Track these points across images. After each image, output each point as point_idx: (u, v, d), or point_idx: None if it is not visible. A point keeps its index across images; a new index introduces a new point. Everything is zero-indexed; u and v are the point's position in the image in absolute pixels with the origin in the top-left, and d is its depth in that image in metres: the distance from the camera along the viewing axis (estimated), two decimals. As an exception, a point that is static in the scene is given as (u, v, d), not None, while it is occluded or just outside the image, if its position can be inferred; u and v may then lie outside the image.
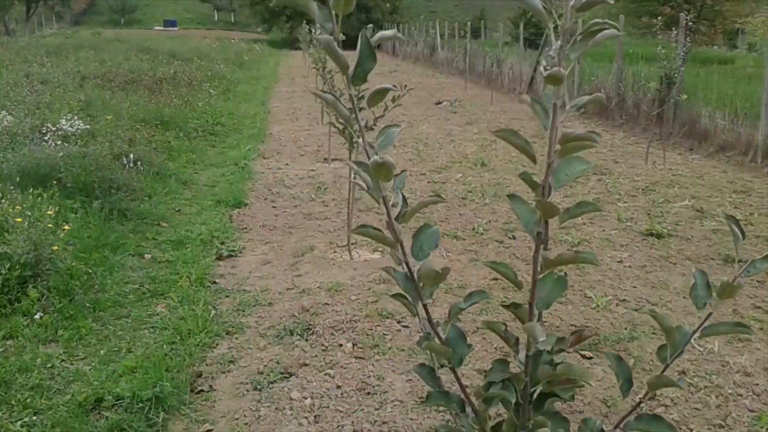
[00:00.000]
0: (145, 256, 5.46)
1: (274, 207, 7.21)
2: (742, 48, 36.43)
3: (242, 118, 14.09)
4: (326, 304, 4.50)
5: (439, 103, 17.73)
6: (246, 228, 6.40)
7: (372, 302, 4.52)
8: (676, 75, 9.82)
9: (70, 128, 7.87)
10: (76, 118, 8.33)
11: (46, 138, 7.64)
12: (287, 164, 9.63)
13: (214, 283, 4.94)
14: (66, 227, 4.76)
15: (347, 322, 4.18)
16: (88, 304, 4.26)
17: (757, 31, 26.66)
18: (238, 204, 7.20)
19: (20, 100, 10.78)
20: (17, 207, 4.67)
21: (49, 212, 4.65)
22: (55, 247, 4.42)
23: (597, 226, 6.47)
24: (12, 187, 5.50)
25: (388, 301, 4.51)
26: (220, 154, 10.23)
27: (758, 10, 29.58)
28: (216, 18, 74.95)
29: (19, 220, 4.39)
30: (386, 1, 57.89)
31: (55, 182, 6.21)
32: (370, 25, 2.06)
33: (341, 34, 1.66)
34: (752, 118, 10.56)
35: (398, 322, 4.20)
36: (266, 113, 15.32)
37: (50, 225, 4.48)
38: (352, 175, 6.06)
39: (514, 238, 6.08)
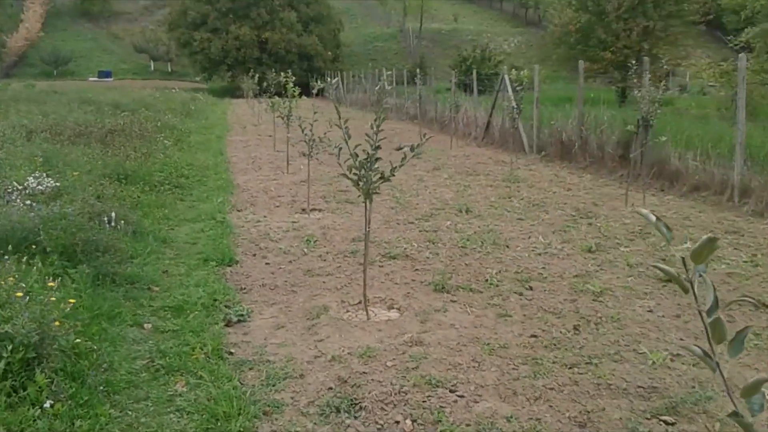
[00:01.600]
0: (145, 326, 4.97)
1: (267, 264, 6.79)
2: (674, 89, 38.04)
3: (203, 168, 13.61)
4: (364, 372, 4.11)
5: (399, 148, 17.55)
6: (245, 288, 5.96)
7: (413, 368, 4.15)
8: (652, 117, 9.92)
9: (39, 186, 7.29)
10: (44, 175, 7.74)
11: (13, 197, 7.05)
12: (265, 216, 9.22)
13: (231, 353, 4.49)
14: (71, 301, 4.23)
15: (395, 393, 3.80)
16: (101, 387, 3.76)
17: (702, 73, 27.74)
18: (227, 262, 6.75)
19: (-29, 157, 10.09)
20: (10, 278, 4.15)
21: (51, 284, 4.14)
22: (57, 323, 3.91)
23: (610, 273, 6.30)
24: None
25: (431, 366, 4.17)
26: (192, 208, 9.73)
27: (693, 53, 30.88)
28: (152, 68, 73.94)
29: (19, 294, 3.87)
30: (328, 50, 58.32)
31: (33, 246, 5.67)
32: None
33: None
34: (724, 158, 10.75)
35: (451, 391, 3.84)
36: (226, 163, 14.87)
37: (53, 298, 3.97)
38: (367, 229, 5.76)
39: (531, 288, 5.83)
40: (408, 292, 5.74)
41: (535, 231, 8.10)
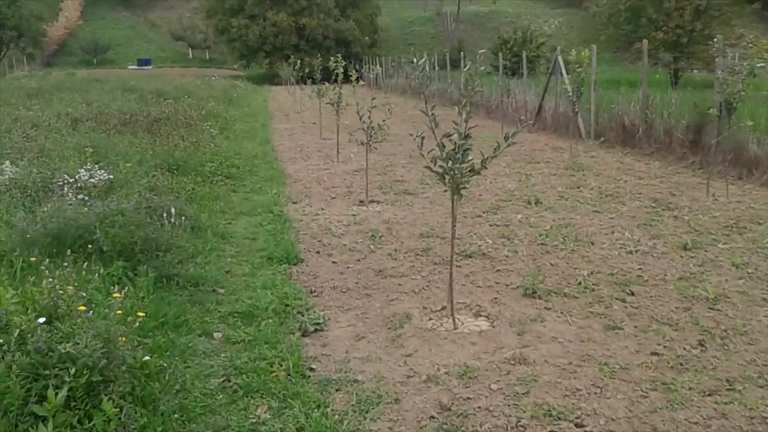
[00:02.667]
0: (215, 335, 4.53)
1: (334, 262, 6.31)
2: (722, 71, 36.57)
3: (252, 158, 13.21)
4: (468, 398, 3.60)
5: (448, 135, 16.97)
6: (315, 291, 5.49)
7: (523, 394, 3.63)
8: (736, 100, 9.18)
9: (91, 179, 6.92)
10: (96, 167, 7.37)
11: (65, 191, 6.69)
12: (322, 209, 8.75)
13: (312, 369, 4.02)
14: (140, 314, 3.79)
15: (512, 427, 3.29)
16: (175, 415, 3.32)
17: (765, 54, 26.51)
18: (291, 260, 6.29)
19: (18, 147, 9.80)
20: (69, 287, 3.72)
21: (116, 294, 3.70)
22: (123, 339, 3.48)
23: (717, 275, 5.67)
24: (47, 257, 4.55)
25: (544, 391, 3.64)
26: (246, 200, 9.31)
27: (748, 32, 29.60)
28: (191, 56, 74.17)
29: (82, 308, 3.44)
30: (365, 35, 57.68)
31: (89, 246, 5.28)
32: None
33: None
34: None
35: (578, 425, 3.31)
36: (273, 152, 14.46)
37: (120, 312, 3.53)
38: (454, 228, 5.29)
39: (632, 293, 5.25)
40: (494, 297, 5.21)
41: (617, 225, 7.49)
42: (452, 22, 69.91)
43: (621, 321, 4.64)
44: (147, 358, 3.55)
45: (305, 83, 26.04)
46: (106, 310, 3.58)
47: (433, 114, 4.65)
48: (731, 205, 8.53)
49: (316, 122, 19.99)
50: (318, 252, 6.71)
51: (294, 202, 9.25)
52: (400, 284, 5.58)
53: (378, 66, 43.78)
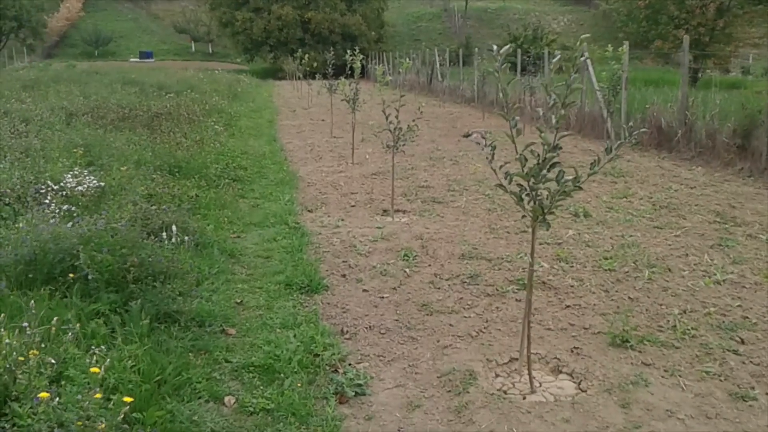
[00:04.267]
0: (226, 400, 3.51)
1: (365, 290, 5.29)
2: (737, 72, 35.49)
3: (259, 158, 12.19)
4: None
5: (467, 135, 15.98)
6: (347, 332, 4.47)
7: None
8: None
9: (78, 187, 5.89)
10: (85, 172, 6.34)
11: (47, 201, 5.67)
12: (342, 219, 7.73)
13: (358, 460, 3.00)
14: (127, 399, 2.77)
15: None
16: None
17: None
18: (314, 287, 5.28)
19: (3, 145, 8.77)
20: (32, 352, 2.70)
21: (94, 369, 2.68)
22: (102, 426, 2.47)
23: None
24: (16, 288, 3.54)
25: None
26: (256, 208, 8.30)
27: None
28: (193, 49, 72.97)
29: (44, 395, 2.42)
30: (371, 30, 56.54)
31: (71, 275, 4.27)
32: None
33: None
34: None
35: None
36: (282, 151, 13.43)
37: (98, 395, 2.51)
38: (532, 267, 4.34)
39: (743, 341, 4.23)
40: (574, 346, 4.19)
41: (688, 245, 6.46)
42: (460, 18, 68.73)
43: (749, 386, 3.62)
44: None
45: (313, 78, 25.00)
46: (81, 383, 2.56)
47: (515, 119, 3.60)
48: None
49: (325, 119, 18.97)
50: (344, 276, 5.69)
51: (310, 211, 8.23)
52: (451, 324, 4.55)
53: (384, 61, 42.76)
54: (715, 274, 5.54)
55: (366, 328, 4.52)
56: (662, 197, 8.78)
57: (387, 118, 7.87)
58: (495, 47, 3.52)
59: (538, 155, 3.62)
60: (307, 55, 26.91)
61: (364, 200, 8.81)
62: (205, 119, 15.25)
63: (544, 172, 3.57)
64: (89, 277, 4.35)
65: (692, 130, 12.69)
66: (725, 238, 6.71)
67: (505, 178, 3.75)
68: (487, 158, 3.84)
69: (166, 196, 7.10)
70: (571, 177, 3.52)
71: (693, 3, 26.99)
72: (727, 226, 7.27)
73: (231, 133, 15.28)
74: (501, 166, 3.80)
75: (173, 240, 5.31)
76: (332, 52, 16.30)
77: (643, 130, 3.88)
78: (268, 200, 8.73)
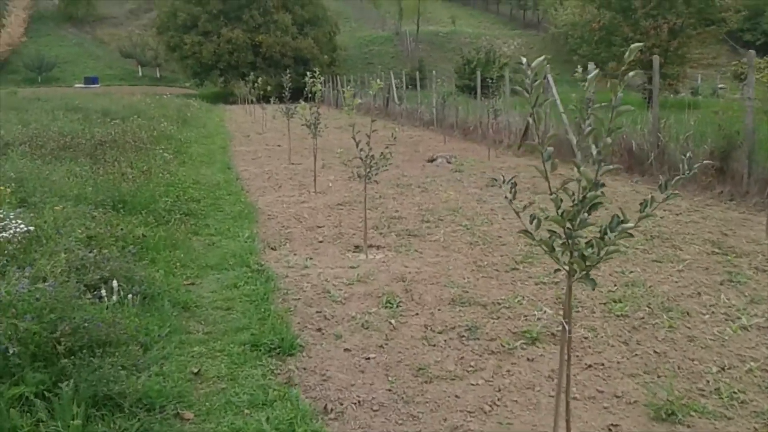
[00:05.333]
0: None
1: (347, 351, 4.49)
2: (686, 92, 35.99)
3: (213, 188, 11.31)
4: None
5: (432, 160, 15.38)
6: (332, 410, 3.67)
7: None
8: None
9: (2, 233, 4.97)
10: (11, 215, 5.41)
11: (-38, 251, 4.74)
12: (311, 258, 6.93)
13: None
14: None
15: None
16: None
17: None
18: (286, 348, 4.46)
19: None
20: None
21: None
22: None
23: None
24: None
25: None
26: (212, 246, 7.43)
27: (722, 52, 28.87)
28: (141, 74, 71.41)
29: None
30: (324, 53, 56.05)
31: (-17, 352, 3.38)
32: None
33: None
34: None
35: None
36: (238, 180, 12.56)
37: None
38: (567, 345, 3.63)
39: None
40: (612, 424, 3.46)
41: (697, 282, 5.86)
42: (412, 41, 68.96)
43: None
44: None
45: (267, 102, 24.20)
46: None
47: (549, 148, 2.91)
48: (811, 250, 7.02)
49: (281, 144, 18.19)
50: (320, 330, 4.89)
51: (273, 249, 7.41)
52: (456, 395, 3.78)
53: (339, 85, 42.19)
54: (739, 318, 4.93)
55: (354, 403, 3.72)
56: (649, 225, 8.22)
57: (357, 145, 7.13)
58: (524, 60, 2.82)
59: (573, 194, 2.91)
60: (260, 79, 26.12)
61: (333, 234, 8.03)
62: (153, 146, 14.28)
63: (585, 215, 2.86)
64: (10, 352, 3.47)
65: (665, 153, 12.31)
66: (733, 273, 6.14)
67: (531, 222, 3.02)
68: (506, 198, 3.11)
69: (109, 238, 6.19)
70: (629, 223, 2.81)
71: (647, 24, 27.17)
72: (728, 257, 6.72)
73: (181, 161, 14.34)
74: (525, 207, 3.09)
75: (114, 297, 4.43)
76: (288, 75, 15.51)
77: (707, 162, 3.21)
78: (226, 237, 7.88)
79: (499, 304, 5.33)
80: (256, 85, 25.23)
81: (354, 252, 7.28)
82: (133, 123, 18.24)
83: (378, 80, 8.03)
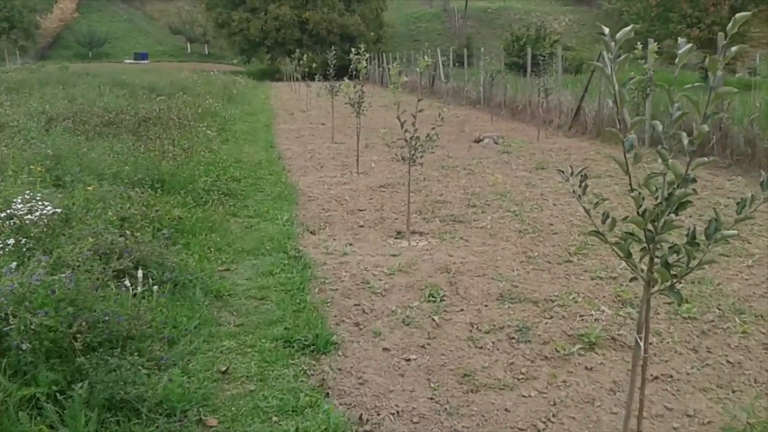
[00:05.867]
0: None
1: (385, 350, 4.16)
2: (744, 72, 34.35)
3: (255, 167, 11.06)
4: None
5: (479, 140, 14.87)
6: (369, 420, 3.33)
7: None
8: None
9: (29, 215, 4.76)
10: (38, 196, 5.19)
11: (-13, 234, 4.54)
12: (350, 244, 6.61)
13: None
14: None
15: None
16: None
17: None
18: (321, 345, 4.14)
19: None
20: None
21: None
22: None
23: None
24: None
25: None
26: (250, 229, 7.17)
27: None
28: (189, 50, 71.85)
29: None
30: (370, 30, 55.40)
31: (-5, 347, 3.14)
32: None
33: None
34: None
35: None
36: (280, 159, 12.30)
37: None
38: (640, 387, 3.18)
39: None
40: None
41: (771, 281, 5.36)
42: (460, 18, 67.69)
43: None
44: None
45: (312, 79, 23.90)
46: None
47: (632, 139, 2.49)
48: None
49: (325, 123, 17.86)
50: (358, 326, 4.56)
51: (312, 233, 7.11)
52: (506, 408, 3.41)
53: (384, 63, 41.68)
54: None
55: (392, 413, 3.38)
56: (712, 215, 7.64)
57: (402, 126, 6.74)
58: (607, 30, 2.40)
59: (656, 190, 2.49)
60: (305, 56, 25.81)
61: (374, 219, 7.69)
62: (197, 124, 14.11)
63: (672, 215, 2.45)
64: (23, 347, 3.23)
65: (728, 136, 11.60)
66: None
67: (604, 222, 2.62)
68: (573, 192, 2.70)
69: (143, 220, 5.96)
70: (730, 231, 2.39)
71: (706, 1, 25.92)
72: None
73: (224, 139, 14.17)
74: (595, 204, 2.68)
75: (140, 287, 4.17)
76: (333, 52, 15.13)
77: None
78: (264, 219, 7.61)
79: (552, 301, 4.92)
80: (301, 62, 24.93)
81: (396, 238, 6.93)
82: (178, 99, 18.15)
83: (426, 57, 7.60)
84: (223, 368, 3.83)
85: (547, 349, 4.07)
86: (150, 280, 4.50)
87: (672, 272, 2.50)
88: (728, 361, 3.90)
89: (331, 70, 14.97)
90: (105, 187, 6.80)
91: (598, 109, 15.78)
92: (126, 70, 35.17)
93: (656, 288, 2.56)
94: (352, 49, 11.17)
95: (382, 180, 10.02)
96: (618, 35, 2.35)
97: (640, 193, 2.45)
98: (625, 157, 2.47)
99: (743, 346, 4.11)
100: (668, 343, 4.17)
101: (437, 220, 7.61)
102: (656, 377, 3.70)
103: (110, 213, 5.66)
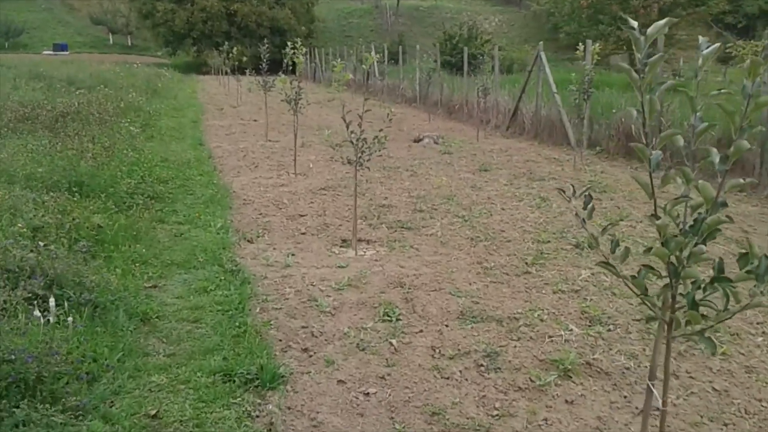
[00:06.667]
0: None
1: (340, 382, 3.68)
2: (668, 74, 35.44)
3: (183, 167, 10.35)
4: None
5: (419, 140, 14.52)
6: (328, 475, 2.86)
7: None
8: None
9: None
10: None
11: None
12: (293, 254, 6.09)
13: None
14: None
15: None
16: None
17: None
18: (266, 379, 3.62)
19: None
20: None
21: None
22: None
23: None
24: None
25: None
26: (180, 238, 6.55)
27: (707, 34, 28.22)
28: (111, 41, 69.08)
29: None
30: (301, 25, 54.48)
31: None
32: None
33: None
34: None
35: None
36: (210, 158, 11.61)
37: None
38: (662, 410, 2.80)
39: None
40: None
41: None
42: (391, 15, 67.52)
43: None
44: None
45: (243, 73, 23.09)
46: None
47: (658, 156, 2.10)
48: None
49: (258, 119, 17.19)
50: (307, 352, 4.06)
51: (249, 241, 6.55)
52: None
53: (316, 58, 41.06)
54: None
55: (356, 465, 2.92)
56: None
57: (348, 127, 6.26)
58: (635, 23, 2.00)
59: (677, 216, 2.12)
60: (234, 49, 24.90)
61: (317, 225, 7.18)
62: (119, 119, 13.25)
63: (701, 246, 2.07)
64: None
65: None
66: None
67: (613, 252, 2.22)
68: (578, 216, 2.30)
69: (58, 230, 5.28)
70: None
71: (636, 3, 26.44)
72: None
73: (149, 136, 13.35)
74: (603, 229, 2.28)
75: (51, 317, 3.55)
76: (266, 45, 14.47)
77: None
78: (195, 226, 6.99)
79: (517, 319, 4.54)
80: (230, 55, 24.04)
81: (342, 247, 6.46)
82: (99, 93, 17.11)
83: (372, 54, 7.13)
84: (153, 411, 3.27)
85: (520, 378, 3.68)
86: (66, 302, 3.88)
87: (701, 314, 2.11)
88: (714, 389, 3.60)
89: (263, 65, 14.31)
90: (16, 192, 6.06)
91: (536, 110, 15.69)
92: (44, 62, 33.22)
93: (679, 331, 2.18)
94: (288, 43, 10.58)
95: (322, 182, 9.52)
96: (649, 30, 1.95)
97: (664, 221, 2.06)
98: (650, 177, 2.07)
99: (726, 371, 3.82)
100: (646, 367, 3.85)
101: (384, 226, 7.17)
102: (641, 410, 3.36)
103: (20, 224, 4.96)
